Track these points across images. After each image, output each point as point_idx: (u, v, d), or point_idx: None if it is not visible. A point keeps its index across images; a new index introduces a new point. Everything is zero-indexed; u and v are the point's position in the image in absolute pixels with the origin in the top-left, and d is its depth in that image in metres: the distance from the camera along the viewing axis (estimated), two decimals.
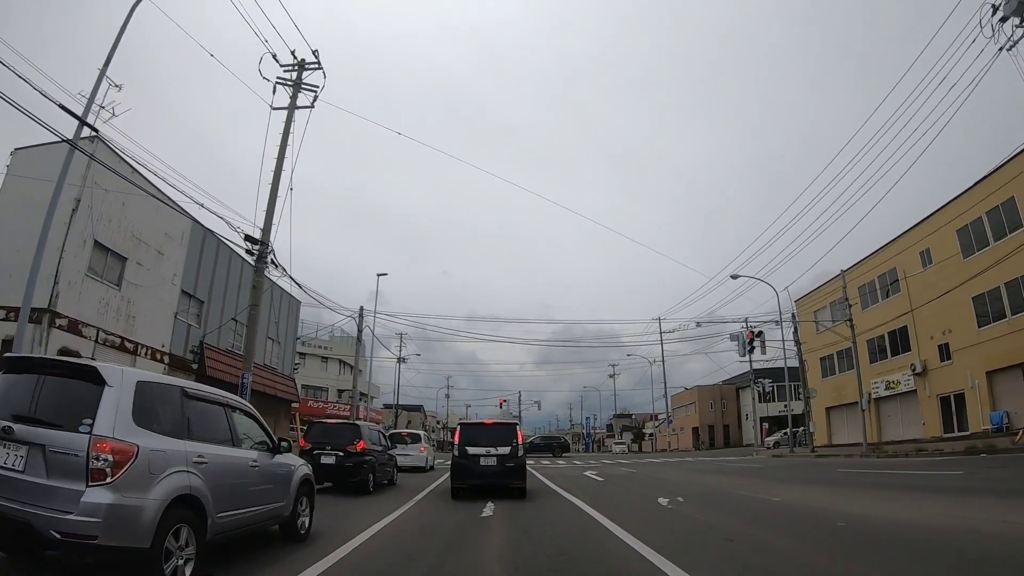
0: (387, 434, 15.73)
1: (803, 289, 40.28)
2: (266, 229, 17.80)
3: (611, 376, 79.49)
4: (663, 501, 10.28)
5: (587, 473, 19.33)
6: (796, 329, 31.80)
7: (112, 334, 18.15)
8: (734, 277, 32.80)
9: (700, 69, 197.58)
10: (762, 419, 55.28)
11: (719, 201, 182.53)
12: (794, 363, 38.26)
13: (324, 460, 12.27)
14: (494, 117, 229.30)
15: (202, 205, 15.46)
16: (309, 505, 7.01)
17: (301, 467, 6.83)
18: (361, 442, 12.38)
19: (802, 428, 38.40)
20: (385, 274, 33.36)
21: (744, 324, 50.34)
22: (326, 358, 62.56)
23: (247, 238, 17.04)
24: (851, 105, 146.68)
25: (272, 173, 18.68)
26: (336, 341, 60.57)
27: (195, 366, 21.89)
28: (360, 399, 43.66)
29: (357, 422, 13.31)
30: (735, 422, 63.05)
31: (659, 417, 74.75)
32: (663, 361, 58.06)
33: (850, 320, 28.25)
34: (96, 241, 17.71)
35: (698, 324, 32.32)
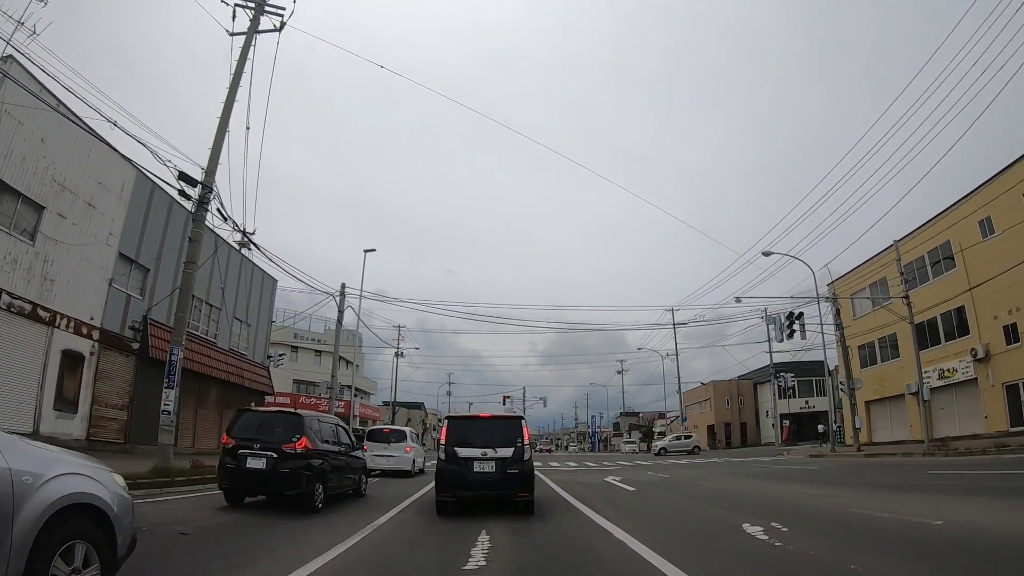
0: (349, 429, 11.99)
1: (814, 286, 36.26)
2: (210, 169, 14.25)
3: (619, 372, 75.76)
4: (755, 531, 6.59)
5: (610, 480, 15.60)
6: (838, 311, 28.03)
7: (20, 298, 14.52)
8: (766, 254, 29.10)
9: (705, 68, 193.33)
10: (782, 416, 51.54)
11: (724, 201, 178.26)
12: (824, 352, 34.59)
13: (251, 463, 8.63)
14: (497, 117, 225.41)
15: (115, 124, 12.00)
16: (98, 560, 3.35)
17: (57, 479, 3.16)
18: (302, 439, 8.71)
19: (836, 425, 34.66)
20: (373, 250, 29.64)
21: (764, 312, 47.07)
22: (320, 351, 59.13)
23: (181, 176, 13.46)
24: (860, 103, 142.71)
25: (222, 105, 15.23)
26: (331, 334, 56.98)
27: (135, 345, 18.24)
28: (348, 394, 40.10)
29: (299, 411, 9.62)
30: (752, 420, 59.19)
31: (668, 415, 70.94)
32: (676, 354, 54.30)
33: (906, 297, 24.46)
34: (2, 181, 14.13)
35: (738, 300, 28.12)
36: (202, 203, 14.00)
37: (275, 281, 28.16)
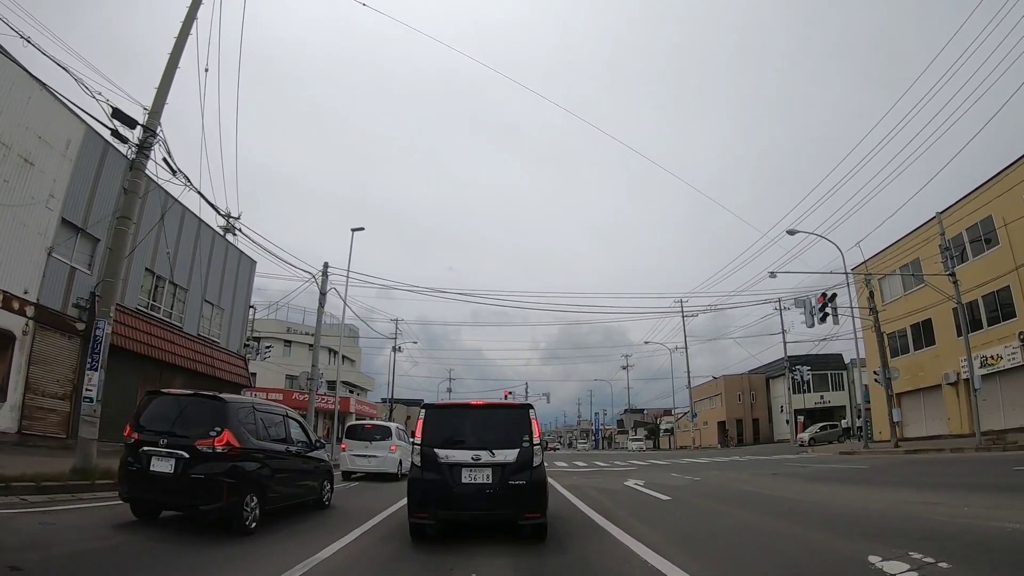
0: (304, 422, 9.56)
1: (841, 267, 33.49)
2: (154, 110, 11.83)
3: (624, 367, 73.23)
4: (901, 571, 4.19)
5: (632, 484, 13.13)
6: (872, 294, 25.57)
7: None
8: (791, 232, 26.64)
9: (704, 66, 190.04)
10: (797, 411, 49.11)
11: (727, 200, 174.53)
12: (856, 341, 32.06)
13: (156, 466, 6.22)
14: (497, 115, 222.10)
15: (28, 40, 9.58)
16: None
17: None
18: (224, 433, 6.28)
19: (864, 419, 32.23)
20: (361, 228, 27.22)
21: (777, 303, 44.57)
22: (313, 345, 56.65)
23: (115, 114, 11.04)
24: (866, 97, 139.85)
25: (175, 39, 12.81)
26: (327, 327, 54.50)
27: (81, 325, 15.83)
28: (341, 390, 37.78)
29: (223, 396, 7.08)
30: (765, 416, 56.68)
31: (676, 411, 68.52)
32: (686, 347, 51.84)
33: (952, 274, 22.00)
34: None
35: (772, 275, 25.49)
36: (142, 149, 11.64)
37: (253, 263, 25.73)
